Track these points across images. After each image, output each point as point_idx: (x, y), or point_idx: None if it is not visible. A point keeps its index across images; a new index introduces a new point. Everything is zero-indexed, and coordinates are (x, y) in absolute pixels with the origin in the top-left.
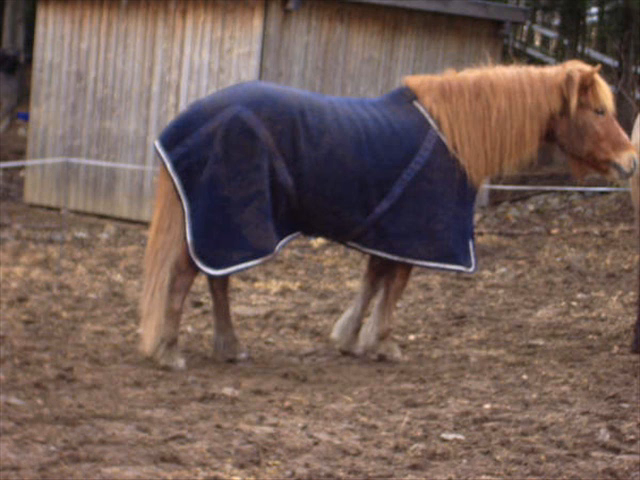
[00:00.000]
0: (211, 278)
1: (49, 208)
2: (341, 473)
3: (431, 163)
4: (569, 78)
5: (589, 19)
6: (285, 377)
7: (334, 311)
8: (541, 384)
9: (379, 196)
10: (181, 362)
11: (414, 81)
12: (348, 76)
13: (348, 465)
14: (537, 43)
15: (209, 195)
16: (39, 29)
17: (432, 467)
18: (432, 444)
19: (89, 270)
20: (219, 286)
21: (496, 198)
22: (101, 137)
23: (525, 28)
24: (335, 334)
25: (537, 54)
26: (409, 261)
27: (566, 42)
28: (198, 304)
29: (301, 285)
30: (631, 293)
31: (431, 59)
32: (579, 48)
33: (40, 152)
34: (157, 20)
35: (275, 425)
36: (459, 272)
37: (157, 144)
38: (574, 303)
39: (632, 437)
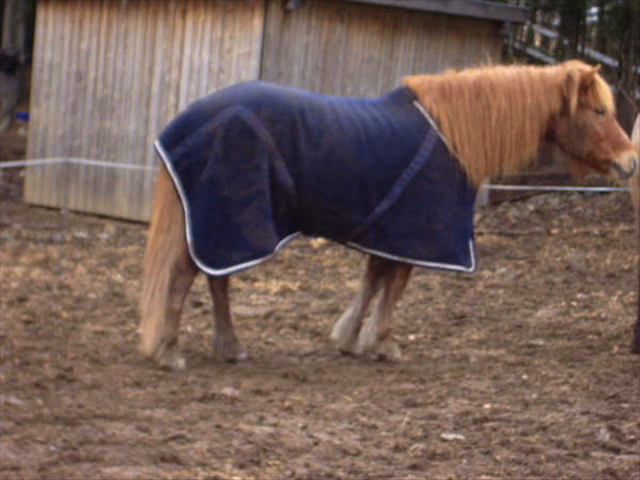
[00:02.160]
0: (211, 278)
1: (49, 208)
2: (341, 473)
3: (431, 163)
4: (569, 78)
5: (589, 19)
6: (285, 377)
7: (334, 311)
8: (541, 384)
9: (379, 196)
10: (181, 362)
11: (414, 81)
12: (348, 76)
13: (348, 465)
14: (537, 43)
15: (209, 195)
16: (39, 29)
17: (432, 467)
18: (432, 444)
19: (89, 270)
20: (219, 286)
21: (496, 198)
22: (101, 137)
23: (525, 28)
24: (335, 334)
25: (537, 54)
26: (409, 261)
27: (566, 42)
28: (198, 304)
29: (301, 285)
30: (631, 293)
31: (431, 59)
32: (579, 48)
33: (40, 152)
34: (157, 20)
35: (275, 425)
36: (459, 272)
37: (157, 144)
38: (574, 303)
39: (632, 437)
